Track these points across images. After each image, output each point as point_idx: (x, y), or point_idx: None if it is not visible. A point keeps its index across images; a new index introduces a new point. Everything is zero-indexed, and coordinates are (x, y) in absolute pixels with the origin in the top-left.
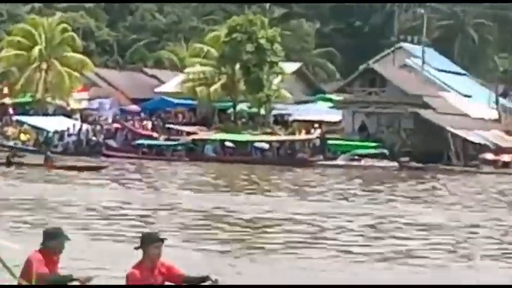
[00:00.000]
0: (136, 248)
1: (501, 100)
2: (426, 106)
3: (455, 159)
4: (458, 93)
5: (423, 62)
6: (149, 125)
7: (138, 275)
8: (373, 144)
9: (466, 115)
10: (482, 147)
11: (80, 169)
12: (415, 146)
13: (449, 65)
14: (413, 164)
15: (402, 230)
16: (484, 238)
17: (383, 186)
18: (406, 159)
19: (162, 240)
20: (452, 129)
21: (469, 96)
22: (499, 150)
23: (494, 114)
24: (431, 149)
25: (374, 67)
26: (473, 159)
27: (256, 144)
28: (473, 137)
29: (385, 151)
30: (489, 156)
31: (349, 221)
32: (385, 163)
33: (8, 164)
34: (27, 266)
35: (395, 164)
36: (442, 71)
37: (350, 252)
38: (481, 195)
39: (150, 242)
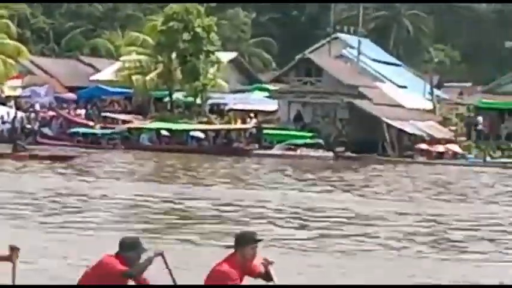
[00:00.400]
0: (229, 247)
1: (436, 91)
2: (362, 96)
3: (390, 149)
4: (393, 84)
5: (359, 53)
6: (83, 113)
7: (235, 273)
8: (309, 134)
9: (401, 106)
10: (417, 138)
11: (54, 158)
12: (351, 136)
13: (384, 55)
14: (349, 154)
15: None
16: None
17: (315, 175)
18: (342, 149)
19: (258, 241)
20: (387, 120)
21: (405, 87)
22: (433, 140)
23: (429, 105)
24: (367, 139)
25: (310, 57)
26: (408, 149)
27: (192, 133)
28: (408, 127)
29: (321, 141)
30: (424, 146)
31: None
32: (320, 153)
33: None
34: (100, 267)
35: (331, 154)
36: (378, 61)
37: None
38: (409, 185)
39: (246, 243)
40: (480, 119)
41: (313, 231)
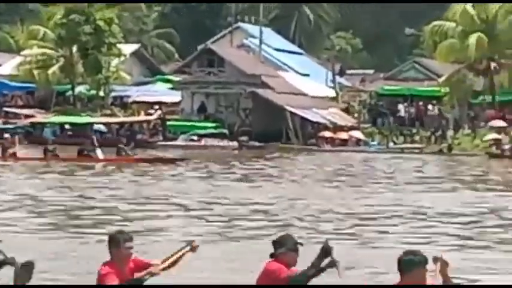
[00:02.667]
0: None
1: (338, 78)
2: (264, 85)
3: (294, 137)
4: (296, 73)
5: (261, 42)
6: None
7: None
8: (213, 124)
9: (304, 94)
10: (320, 126)
11: (162, 161)
12: (255, 125)
13: (286, 44)
14: (253, 143)
15: None
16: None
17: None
18: (246, 138)
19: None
20: (290, 108)
21: (307, 75)
22: (336, 128)
23: (331, 93)
24: (271, 128)
25: (212, 47)
26: (312, 137)
27: (96, 127)
28: (311, 115)
29: (225, 131)
30: (327, 134)
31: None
32: (224, 143)
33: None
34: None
35: (235, 143)
36: (280, 50)
37: None
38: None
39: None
40: (401, 106)
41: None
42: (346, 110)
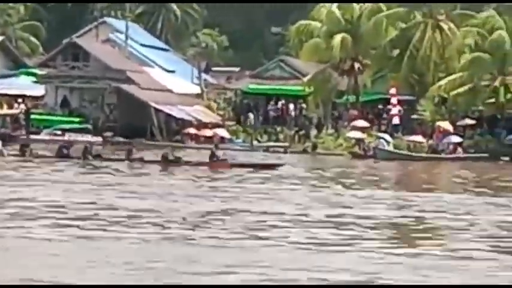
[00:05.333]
0: None
1: (203, 76)
2: (129, 81)
3: (158, 134)
4: (161, 69)
5: (126, 37)
6: None
7: None
8: (77, 119)
9: (169, 90)
10: (185, 123)
11: (258, 168)
12: (119, 120)
13: (152, 40)
14: (118, 138)
15: None
16: None
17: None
18: (110, 134)
19: None
20: (155, 105)
21: (173, 72)
22: (201, 125)
23: (197, 90)
24: (135, 124)
25: (77, 41)
26: (177, 134)
27: None
28: (176, 112)
29: (89, 126)
30: (192, 131)
31: None
32: (88, 138)
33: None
34: None
35: (99, 138)
36: (146, 46)
37: None
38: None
39: None
40: (279, 103)
41: None
42: (211, 107)
